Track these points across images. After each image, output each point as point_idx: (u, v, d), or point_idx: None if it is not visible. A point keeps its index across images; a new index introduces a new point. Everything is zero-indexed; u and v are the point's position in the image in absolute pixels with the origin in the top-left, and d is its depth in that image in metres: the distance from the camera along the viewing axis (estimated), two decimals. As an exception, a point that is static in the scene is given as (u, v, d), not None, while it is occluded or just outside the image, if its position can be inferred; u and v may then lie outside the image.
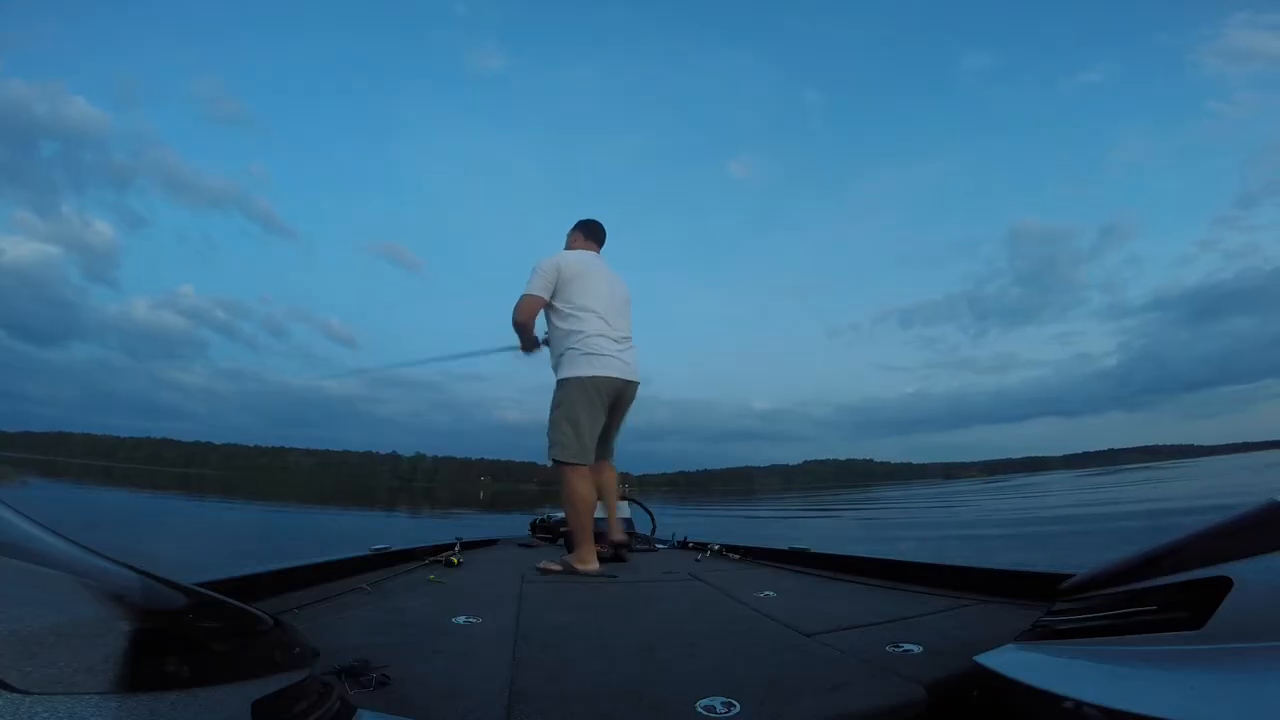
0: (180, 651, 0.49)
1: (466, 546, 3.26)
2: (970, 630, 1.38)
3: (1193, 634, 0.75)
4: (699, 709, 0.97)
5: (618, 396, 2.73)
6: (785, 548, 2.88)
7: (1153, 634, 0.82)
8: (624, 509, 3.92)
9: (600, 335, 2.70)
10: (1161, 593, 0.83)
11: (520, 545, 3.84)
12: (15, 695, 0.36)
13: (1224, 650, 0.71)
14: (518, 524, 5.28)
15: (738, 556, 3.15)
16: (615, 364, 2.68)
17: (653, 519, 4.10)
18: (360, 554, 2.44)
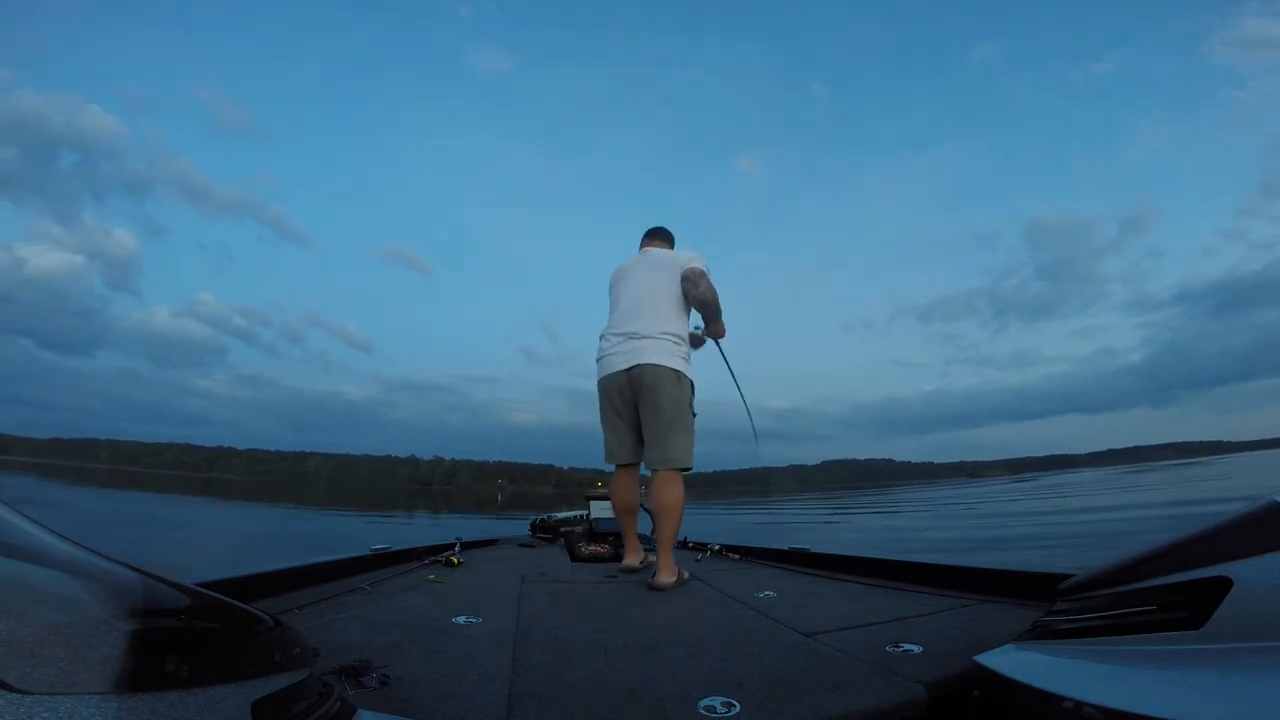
0: (180, 651, 0.49)
1: (466, 546, 3.26)
2: (970, 630, 1.38)
3: (1192, 634, 0.75)
4: (699, 709, 0.98)
5: (633, 388, 2.50)
6: (785, 548, 2.88)
7: (1153, 634, 0.82)
8: None
9: (605, 337, 2.64)
10: (1161, 593, 0.83)
11: (521, 545, 3.84)
12: (15, 695, 0.36)
13: (1224, 650, 0.71)
14: (518, 524, 5.28)
15: (738, 556, 3.15)
16: (611, 359, 2.56)
17: (653, 520, 4.10)
18: (360, 554, 2.45)
